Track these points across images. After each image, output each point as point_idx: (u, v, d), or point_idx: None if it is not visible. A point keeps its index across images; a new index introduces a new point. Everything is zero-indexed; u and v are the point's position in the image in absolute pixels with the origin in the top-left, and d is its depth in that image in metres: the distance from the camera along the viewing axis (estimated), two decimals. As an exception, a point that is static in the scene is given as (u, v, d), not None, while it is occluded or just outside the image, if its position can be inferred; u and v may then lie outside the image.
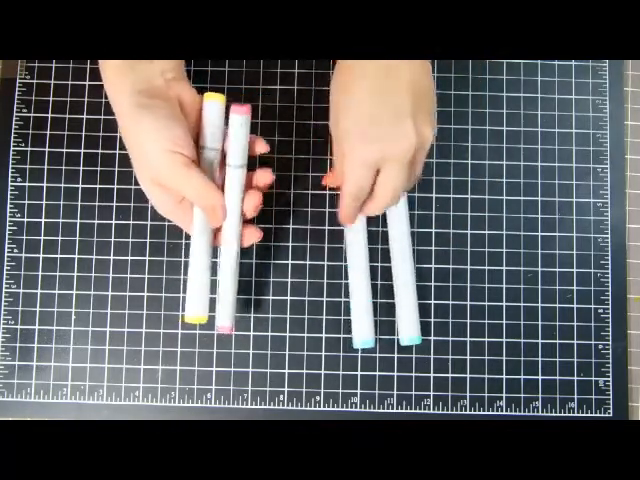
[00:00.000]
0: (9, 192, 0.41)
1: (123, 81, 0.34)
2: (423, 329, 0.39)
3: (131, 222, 0.41)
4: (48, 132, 0.41)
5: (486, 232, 0.41)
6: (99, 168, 0.41)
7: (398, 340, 0.40)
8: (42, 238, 0.40)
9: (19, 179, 0.41)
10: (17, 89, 0.41)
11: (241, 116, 0.34)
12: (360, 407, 0.40)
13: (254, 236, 0.36)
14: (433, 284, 0.41)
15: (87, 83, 0.41)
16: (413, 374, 0.40)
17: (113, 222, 0.41)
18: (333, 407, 0.39)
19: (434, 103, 0.34)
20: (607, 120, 0.42)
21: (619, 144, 0.42)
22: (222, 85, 0.41)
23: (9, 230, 0.40)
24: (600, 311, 0.41)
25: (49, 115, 0.41)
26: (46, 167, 0.41)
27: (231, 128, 0.35)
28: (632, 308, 0.41)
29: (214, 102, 0.35)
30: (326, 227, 0.41)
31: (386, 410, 0.40)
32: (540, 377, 0.40)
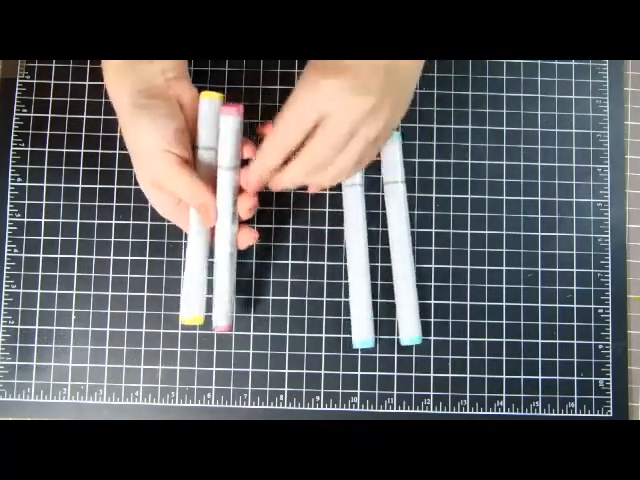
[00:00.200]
0: (9, 192, 0.41)
1: (123, 81, 0.34)
2: (423, 329, 0.39)
3: (131, 222, 0.41)
4: (48, 132, 0.41)
5: (486, 232, 0.41)
6: (99, 168, 0.41)
7: (398, 340, 0.40)
8: (42, 238, 0.40)
9: (19, 179, 0.41)
10: (17, 89, 0.41)
11: (231, 117, 0.34)
12: (360, 407, 0.40)
13: (249, 237, 0.36)
14: (433, 284, 0.41)
15: (87, 83, 0.41)
16: (413, 374, 0.40)
17: (113, 222, 0.41)
18: (333, 407, 0.39)
19: (408, 88, 0.33)
20: (607, 120, 0.42)
21: (619, 144, 0.42)
22: (222, 85, 0.41)
23: (9, 230, 0.40)
24: (600, 311, 0.41)
25: (49, 115, 0.41)
26: (46, 167, 0.41)
27: (222, 129, 0.34)
28: (632, 308, 0.41)
29: (210, 101, 0.35)
30: (326, 227, 0.41)
31: (386, 410, 0.40)
32: (540, 377, 0.40)
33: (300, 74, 0.31)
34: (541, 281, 0.41)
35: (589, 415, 0.40)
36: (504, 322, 0.40)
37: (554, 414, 0.40)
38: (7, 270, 0.40)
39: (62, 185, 0.41)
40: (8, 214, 0.40)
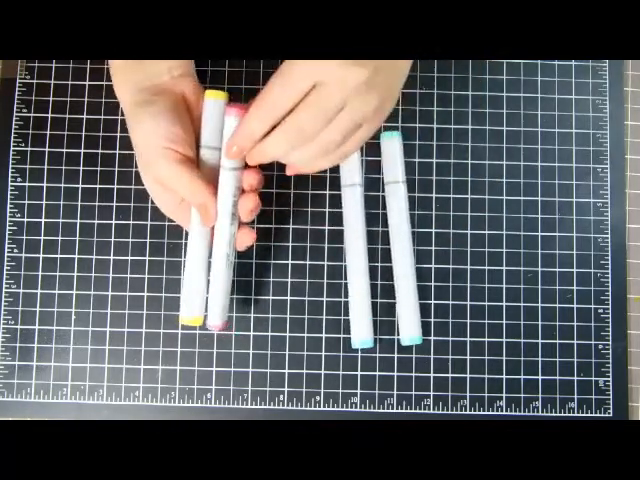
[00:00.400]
0: (9, 192, 0.41)
1: (128, 79, 0.35)
2: (423, 329, 0.39)
3: (131, 222, 0.41)
4: (48, 132, 0.41)
5: (486, 232, 0.41)
6: (99, 168, 0.41)
7: (398, 340, 0.40)
8: (42, 238, 0.40)
9: (19, 179, 0.41)
10: (17, 89, 0.41)
11: (235, 117, 0.33)
12: (360, 407, 0.40)
13: (248, 237, 0.35)
14: (433, 284, 0.41)
15: (87, 83, 0.41)
16: (413, 374, 0.40)
17: (113, 222, 0.41)
18: (333, 407, 0.39)
19: (399, 77, 0.33)
20: (607, 120, 0.42)
21: (619, 144, 0.42)
22: (222, 85, 0.41)
23: (9, 230, 0.40)
24: (600, 311, 0.41)
25: (49, 115, 0.41)
26: (46, 167, 0.41)
27: (225, 129, 0.34)
28: (632, 308, 0.41)
29: (214, 100, 0.35)
30: (326, 227, 0.41)
31: (386, 410, 0.40)
32: (540, 377, 0.40)
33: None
34: (541, 281, 0.41)
35: (589, 415, 0.40)
36: (504, 322, 0.40)
37: (554, 414, 0.40)
38: (7, 270, 0.40)
39: (62, 185, 0.41)
40: (8, 214, 0.40)
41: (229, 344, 0.40)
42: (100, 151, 0.41)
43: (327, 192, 0.41)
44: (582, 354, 0.40)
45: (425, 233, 0.41)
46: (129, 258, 0.40)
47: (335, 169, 0.40)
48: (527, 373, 0.40)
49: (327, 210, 0.41)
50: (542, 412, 0.40)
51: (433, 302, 0.40)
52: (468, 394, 0.40)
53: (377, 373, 0.40)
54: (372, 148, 0.41)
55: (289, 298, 0.40)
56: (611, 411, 0.40)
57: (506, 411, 0.40)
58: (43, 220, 0.40)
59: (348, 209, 0.39)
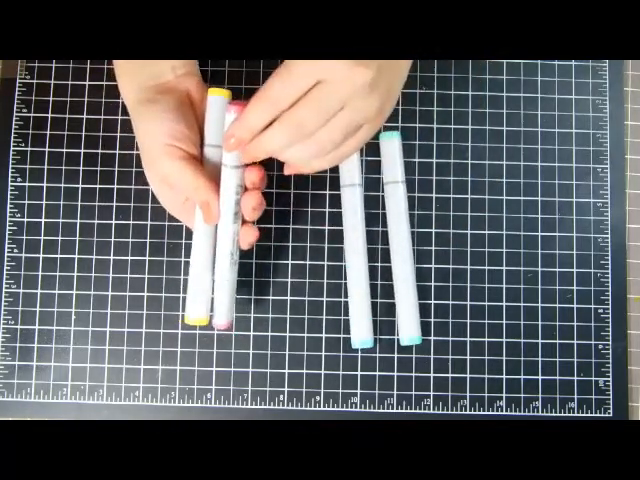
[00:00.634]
0: (9, 192, 0.41)
1: (132, 79, 0.35)
2: (423, 329, 0.40)
3: (131, 222, 0.41)
4: (48, 132, 0.41)
5: (486, 232, 0.41)
6: (99, 168, 0.41)
7: (398, 340, 0.40)
8: (42, 238, 0.40)
9: (19, 179, 0.41)
10: (17, 89, 0.41)
11: (234, 114, 0.32)
12: (360, 407, 0.40)
13: (251, 235, 0.35)
14: (433, 284, 0.41)
15: (87, 83, 0.41)
16: (413, 374, 0.40)
17: (113, 222, 0.41)
18: (333, 407, 0.39)
19: (398, 80, 0.33)
20: (607, 120, 0.42)
21: (619, 144, 0.42)
22: (222, 85, 0.41)
23: (9, 230, 0.40)
24: (600, 311, 0.41)
25: (49, 115, 0.41)
26: (46, 167, 0.41)
27: (226, 126, 0.33)
28: (632, 308, 0.41)
29: (217, 98, 0.35)
30: (326, 227, 0.41)
31: (386, 410, 0.40)
32: (540, 377, 0.40)
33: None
34: (541, 281, 0.41)
35: (589, 415, 0.40)
36: (504, 322, 0.40)
37: (554, 414, 0.40)
38: (7, 270, 0.40)
39: (62, 185, 0.41)
40: (8, 214, 0.40)
41: (229, 344, 0.40)
42: (100, 151, 0.41)
43: (327, 192, 0.41)
44: (582, 354, 0.40)
45: (425, 233, 0.41)
46: (129, 258, 0.40)
47: (335, 169, 0.40)
48: (527, 373, 0.40)
49: (327, 210, 0.41)
50: (542, 412, 0.40)
51: (433, 302, 0.40)
52: (468, 394, 0.40)
53: (377, 373, 0.40)
54: (371, 148, 0.41)
55: (289, 298, 0.40)
56: (611, 411, 0.40)
57: (506, 411, 0.40)
58: (43, 220, 0.40)
59: (348, 209, 0.39)
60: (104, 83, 0.41)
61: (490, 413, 0.40)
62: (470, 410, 0.40)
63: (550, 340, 0.40)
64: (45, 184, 0.41)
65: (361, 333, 0.39)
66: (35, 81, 0.41)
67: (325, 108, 0.30)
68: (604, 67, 0.42)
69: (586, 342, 0.40)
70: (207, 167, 0.34)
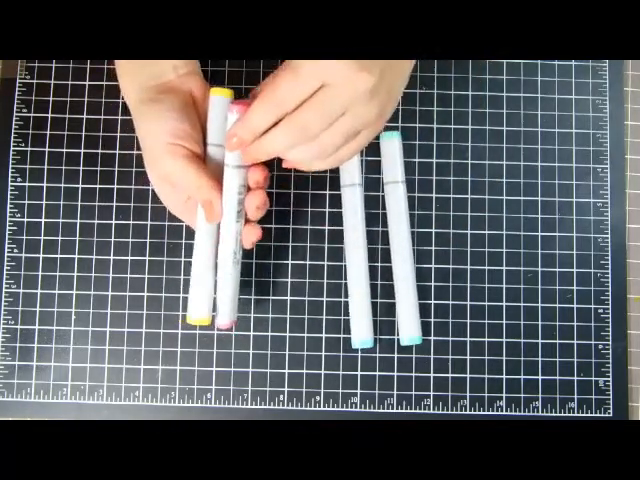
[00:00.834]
0: (9, 192, 0.41)
1: (133, 78, 0.35)
2: (423, 329, 0.40)
3: (131, 222, 0.41)
4: (48, 132, 0.41)
5: (486, 232, 0.41)
6: (99, 168, 0.41)
7: (398, 340, 0.40)
8: (42, 238, 0.40)
9: (19, 179, 0.41)
10: (17, 89, 0.41)
11: (236, 114, 0.32)
12: (360, 407, 0.40)
13: (254, 235, 0.35)
14: (433, 284, 0.41)
15: (87, 83, 0.41)
16: (413, 374, 0.40)
17: (113, 222, 0.41)
18: (333, 407, 0.39)
19: (399, 85, 0.33)
20: (607, 120, 0.42)
21: (619, 144, 0.42)
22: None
23: (9, 230, 0.40)
24: (600, 311, 0.41)
25: (49, 115, 0.41)
26: (46, 167, 0.41)
27: (228, 126, 0.33)
28: (632, 308, 0.41)
29: (219, 97, 0.35)
30: (326, 227, 0.41)
31: (386, 410, 0.40)
32: (540, 377, 0.40)
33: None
34: (541, 281, 0.41)
35: (589, 415, 0.40)
36: (504, 322, 0.40)
37: (554, 414, 0.40)
38: (7, 270, 0.40)
39: (62, 185, 0.41)
40: (8, 214, 0.40)
41: (229, 344, 0.40)
42: (100, 151, 0.41)
43: (327, 192, 0.41)
44: (582, 354, 0.40)
45: (425, 233, 0.41)
46: (129, 258, 0.40)
47: (335, 169, 0.40)
48: (527, 373, 0.40)
49: (327, 210, 0.41)
50: (542, 412, 0.40)
51: (433, 302, 0.40)
52: (468, 394, 0.40)
53: (377, 373, 0.40)
54: (372, 148, 0.41)
55: (289, 298, 0.40)
56: (611, 411, 0.40)
57: (506, 411, 0.40)
58: (43, 220, 0.40)
59: (348, 209, 0.39)
60: (104, 83, 0.41)
61: (490, 413, 0.40)
62: (470, 410, 0.40)
63: (550, 340, 0.40)
64: (45, 184, 0.41)
65: (361, 333, 0.39)
66: (35, 81, 0.41)
67: (329, 112, 0.30)
68: (604, 67, 0.42)
69: (586, 342, 0.40)
70: (210, 166, 0.34)
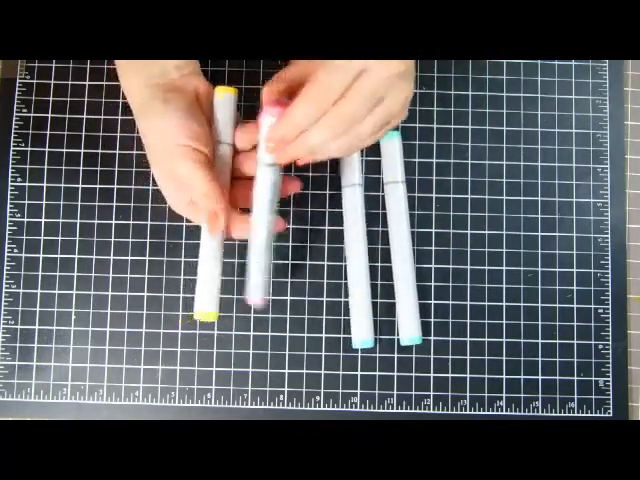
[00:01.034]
0: (9, 192, 0.41)
1: (136, 77, 0.35)
2: (423, 329, 0.39)
3: (131, 222, 0.41)
4: (48, 132, 0.41)
5: (486, 232, 0.41)
6: (99, 168, 0.41)
7: (398, 340, 0.40)
8: (42, 238, 0.40)
9: (19, 179, 0.41)
10: (17, 89, 0.41)
11: (275, 117, 0.32)
12: (360, 407, 0.40)
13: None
14: (433, 284, 0.41)
15: (87, 83, 0.41)
16: (413, 374, 0.40)
17: (113, 222, 0.41)
18: (333, 407, 0.39)
19: (407, 87, 0.33)
20: (607, 120, 0.42)
21: (619, 144, 0.42)
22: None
23: (9, 230, 0.40)
24: (600, 311, 0.41)
25: (49, 115, 0.41)
26: (46, 167, 0.41)
27: (263, 129, 0.33)
28: (632, 308, 0.41)
29: (225, 95, 0.35)
30: (326, 227, 0.41)
31: (386, 410, 0.40)
32: (540, 377, 0.40)
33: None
34: (541, 281, 0.41)
35: (589, 415, 0.40)
36: (504, 322, 0.40)
37: (554, 414, 0.40)
38: (7, 270, 0.40)
39: (62, 185, 0.41)
40: (8, 214, 0.40)
41: (229, 344, 0.40)
42: (100, 151, 0.41)
43: (327, 192, 0.41)
44: (582, 354, 0.40)
45: (425, 233, 0.41)
46: (129, 258, 0.40)
47: (335, 169, 0.40)
48: (527, 373, 0.40)
49: (327, 210, 0.41)
50: (542, 412, 0.40)
51: (433, 302, 0.40)
52: (468, 394, 0.40)
53: (377, 373, 0.40)
54: (372, 148, 0.40)
55: (289, 298, 0.40)
56: (611, 411, 0.40)
57: (506, 411, 0.40)
58: (43, 220, 0.40)
59: (348, 209, 0.39)
60: (104, 83, 0.41)
61: (490, 413, 0.40)
62: (470, 410, 0.40)
63: (550, 340, 0.40)
64: (45, 184, 0.41)
65: (361, 333, 0.39)
66: (35, 81, 0.41)
67: (370, 97, 0.30)
68: (604, 67, 0.42)
69: (586, 342, 0.40)
70: (217, 165, 0.35)
